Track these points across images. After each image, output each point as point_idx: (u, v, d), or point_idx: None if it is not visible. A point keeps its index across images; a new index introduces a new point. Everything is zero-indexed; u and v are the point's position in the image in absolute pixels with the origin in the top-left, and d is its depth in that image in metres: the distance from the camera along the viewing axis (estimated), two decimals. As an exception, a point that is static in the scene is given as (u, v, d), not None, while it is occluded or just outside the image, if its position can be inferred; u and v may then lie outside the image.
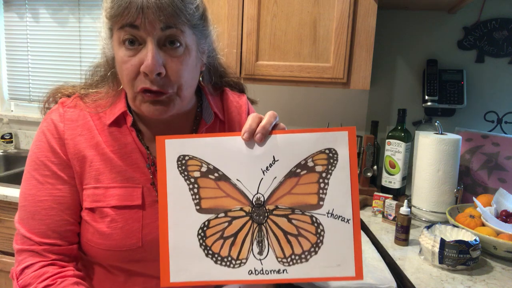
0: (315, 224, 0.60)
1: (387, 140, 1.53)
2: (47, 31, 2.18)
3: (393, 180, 1.51)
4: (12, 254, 1.57)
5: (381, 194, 1.40)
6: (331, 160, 0.60)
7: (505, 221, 1.15)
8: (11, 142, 2.23)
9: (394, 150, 1.50)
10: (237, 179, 0.61)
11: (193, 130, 0.81)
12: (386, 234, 1.25)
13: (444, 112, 1.64)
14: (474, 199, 1.24)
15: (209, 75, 0.83)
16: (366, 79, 1.38)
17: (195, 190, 0.61)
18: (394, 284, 0.86)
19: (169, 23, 0.64)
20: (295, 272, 0.60)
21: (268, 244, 0.60)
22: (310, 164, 0.60)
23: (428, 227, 1.10)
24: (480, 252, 1.01)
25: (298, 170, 0.60)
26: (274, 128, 0.62)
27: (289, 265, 0.60)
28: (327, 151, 0.60)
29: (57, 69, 2.19)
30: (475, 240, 1.01)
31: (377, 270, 0.93)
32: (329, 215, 0.60)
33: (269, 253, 0.60)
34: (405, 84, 1.68)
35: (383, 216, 1.35)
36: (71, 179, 0.73)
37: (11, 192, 1.52)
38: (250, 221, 0.61)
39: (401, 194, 1.52)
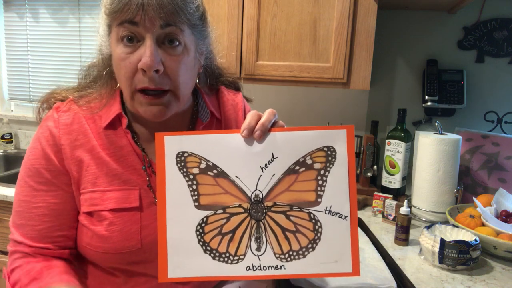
0: (313, 221, 0.60)
1: (387, 140, 1.53)
2: (47, 31, 2.18)
3: (393, 180, 1.51)
4: (12, 254, 1.57)
5: (381, 194, 1.40)
6: (330, 158, 0.60)
7: (505, 221, 1.15)
8: (11, 142, 2.23)
9: (394, 150, 1.50)
10: (236, 176, 0.61)
11: (189, 129, 0.81)
12: (386, 234, 1.25)
13: (444, 112, 1.64)
14: (474, 199, 1.24)
15: (205, 77, 0.83)
16: (366, 79, 1.38)
17: (194, 187, 0.61)
18: (394, 284, 0.86)
19: (169, 21, 0.64)
20: (293, 268, 0.60)
21: (266, 240, 0.61)
22: (309, 161, 0.60)
23: (428, 227, 1.10)
24: (480, 252, 1.01)
25: (297, 168, 0.60)
26: (273, 125, 0.63)
27: (286, 261, 0.60)
28: (325, 149, 0.60)
29: (57, 69, 2.19)
30: (475, 240, 1.01)
31: (377, 270, 0.93)
32: (327, 212, 0.60)
33: (267, 249, 0.61)
34: (405, 84, 1.68)
35: (383, 216, 1.35)
36: (66, 185, 0.73)
37: (11, 192, 1.52)
38: (249, 218, 0.61)
39: (401, 194, 1.52)
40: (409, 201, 1.37)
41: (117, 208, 0.71)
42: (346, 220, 0.60)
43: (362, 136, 1.59)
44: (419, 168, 1.37)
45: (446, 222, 1.18)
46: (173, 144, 0.61)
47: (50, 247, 0.72)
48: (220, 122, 0.85)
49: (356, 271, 0.59)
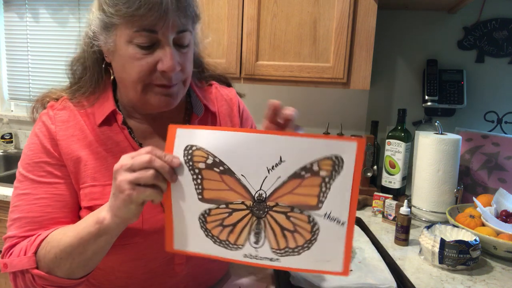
0: (312, 223, 0.62)
1: (387, 140, 1.53)
2: (47, 31, 2.18)
3: (393, 180, 1.51)
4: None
5: (381, 194, 1.40)
6: (336, 167, 0.60)
7: (505, 221, 1.15)
8: (11, 142, 2.23)
9: (394, 150, 1.50)
10: (242, 175, 0.62)
11: (185, 123, 0.81)
12: (386, 234, 1.25)
13: (444, 112, 1.64)
14: (474, 199, 1.24)
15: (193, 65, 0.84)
16: (366, 79, 1.38)
17: (198, 181, 0.62)
18: (394, 284, 0.86)
19: (184, 27, 0.68)
20: (287, 262, 0.63)
21: (265, 236, 0.63)
22: (315, 168, 0.61)
23: (428, 227, 1.10)
24: (480, 252, 1.01)
25: (303, 173, 0.61)
26: (289, 126, 0.65)
27: (282, 255, 0.63)
28: (333, 158, 0.60)
29: (57, 69, 2.19)
30: (475, 240, 1.01)
31: (377, 270, 0.93)
32: (326, 216, 0.61)
33: (265, 244, 0.63)
34: (405, 84, 1.68)
35: (383, 216, 1.35)
36: (68, 177, 0.72)
37: (11, 192, 1.51)
38: (250, 215, 0.63)
39: (401, 194, 1.52)
40: (409, 201, 1.37)
41: None
42: (343, 226, 0.61)
43: (362, 136, 1.59)
44: (419, 168, 1.37)
45: (446, 222, 1.18)
46: (184, 136, 0.62)
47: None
48: (215, 116, 0.85)
49: (346, 272, 0.62)
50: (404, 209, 1.15)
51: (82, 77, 0.76)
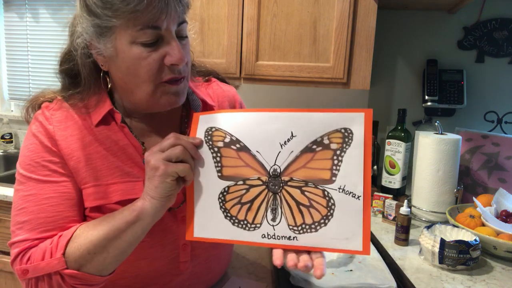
0: (327, 198, 0.62)
1: (387, 140, 1.53)
2: (47, 31, 2.18)
3: (393, 180, 1.51)
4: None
5: (381, 194, 1.40)
6: (346, 139, 0.62)
7: (505, 221, 1.15)
8: (11, 142, 2.23)
9: (394, 150, 1.50)
10: (257, 151, 0.65)
11: (184, 121, 0.81)
12: (386, 234, 1.25)
13: (444, 112, 1.64)
14: (474, 199, 1.24)
15: None
16: (366, 79, 1.38)
17: (218, 159, 0.67)
18: (394, 284, 0.86)
19: (183, 18, 0.68)
20: (305, 240, 0.62)
21: (281, 212, 0.64)
22: (326, 141, 0.63)
23: (428, 227, 1.10)
24: (480, 252, 1.01)
25: (314, 146, 0.63)
26: None
27: (299, 233, 0.63)
28: (342, 130, 0.62)
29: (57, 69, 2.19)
30: (475, 240, 1.01)
31: (377, 270, 0.93)
32: (341, 190, 0.62)
33: (282, 220, 0.64)
34: (405, 84, 1.68)
35: (383, 216, 1.35)
36: (72, 175, 0.71)
37: (11, 192, 1.52)
38: (266, 190, 0.65)
39: (401, 194, 1.52)
40: (409, 201, 1.37)
41: (124, 200, 0.70)
42: (359, 199, 0.61)
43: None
44: (419, 168, 1.37)
45: (446, 222, 1.18)
46: (205, 121, 0.69)
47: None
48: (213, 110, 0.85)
49: (366, 251, 0.61)
50: (404, 209, 1.15)
51: (77, 89, 0.74)
